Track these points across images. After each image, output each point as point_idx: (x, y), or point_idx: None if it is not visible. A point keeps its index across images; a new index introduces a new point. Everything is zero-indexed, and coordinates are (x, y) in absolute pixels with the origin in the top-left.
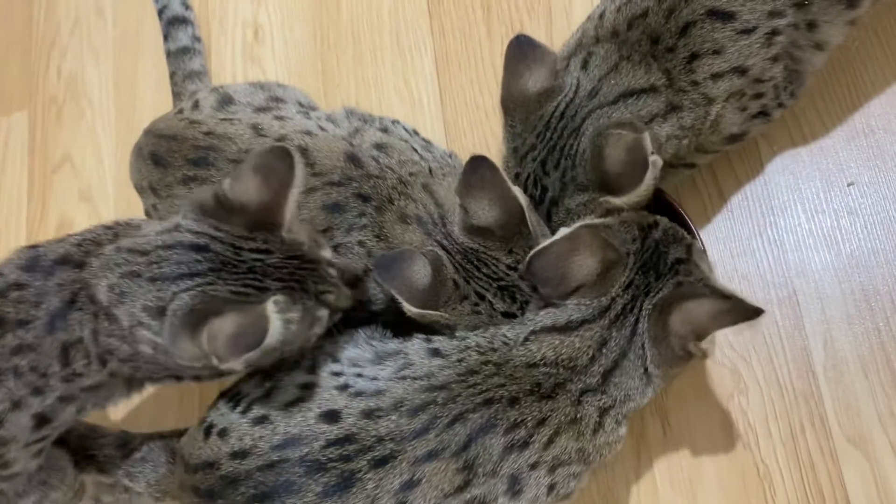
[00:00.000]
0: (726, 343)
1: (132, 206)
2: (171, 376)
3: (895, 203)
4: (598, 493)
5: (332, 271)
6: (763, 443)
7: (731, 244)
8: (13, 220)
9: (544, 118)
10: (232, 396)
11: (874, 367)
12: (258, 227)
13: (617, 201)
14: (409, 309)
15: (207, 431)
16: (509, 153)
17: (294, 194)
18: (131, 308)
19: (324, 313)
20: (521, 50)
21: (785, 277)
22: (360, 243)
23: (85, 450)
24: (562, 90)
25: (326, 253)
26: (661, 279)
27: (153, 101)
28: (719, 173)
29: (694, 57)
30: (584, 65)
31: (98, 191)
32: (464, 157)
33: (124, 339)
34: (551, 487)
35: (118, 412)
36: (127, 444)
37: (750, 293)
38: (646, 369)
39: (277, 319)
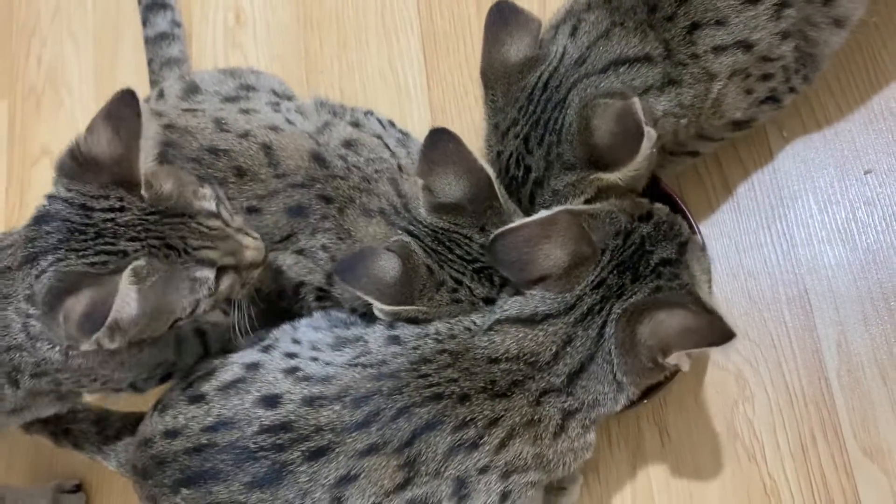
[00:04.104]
0: (729, 345)
1: None
2: (111, 388)
3: None
4: None
5: (217, 223)
6: (770, 455)
7: (737, 238)
8: None
9: (526, 90)
10: (187, 374)
11: (893, 373)
12: (116, 184)
13: (611, 177)
14: (383, 308)
15: (154, 407)
16: (490, 130)
17: (145, 144)
18: (17, 304)
19: (205, 273)
20: (503, 16)
21: (795, 274)
22: (324, 247)
23: (62, 423)
24: (546, 59)
25: (207, 204)
26: (639, 282)
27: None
28: (725, 161)
29: (695, 27)
30: (573, 32)
31: None
32: None
33: (22, 347)
34: (505, 496)
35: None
36: (103, 420)
37: (757, 291)
38: (614, 376)
39: (131, 291)
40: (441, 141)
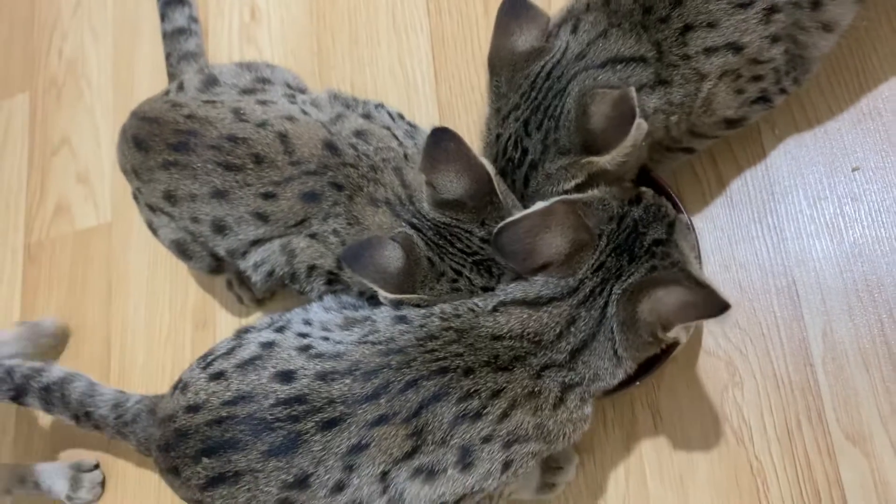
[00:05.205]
0: (720, 333)
1: (128, 190)
2: None
3: None
4: (586, 486)
5: None
6: (757, 438)
7: (729, 231)
8: (12, 202)
9: (530, 77)
10: (206, 355)
11: (875, 361)
12: None
13: (601, 160)
14: (386, 295)
15: (174, 387)
16: (492, 114)
17: None
18: None
19: None
20: (515, 9)
21: (784, 266)
22: (335, 232)
23: (84, 406)
24: (550, 51)
25: None
26: (635, 263)
27: (151, 83)
28: (719, 158)
29: (687, 29)
30: (574, 30)
31: (95, 174)
32: None
33: None
34: (507, 464)
35: (113, 377)
36: (120, 405)
37: (748, 282)
38: (615, 352)
39: None
40: (443, 140)
